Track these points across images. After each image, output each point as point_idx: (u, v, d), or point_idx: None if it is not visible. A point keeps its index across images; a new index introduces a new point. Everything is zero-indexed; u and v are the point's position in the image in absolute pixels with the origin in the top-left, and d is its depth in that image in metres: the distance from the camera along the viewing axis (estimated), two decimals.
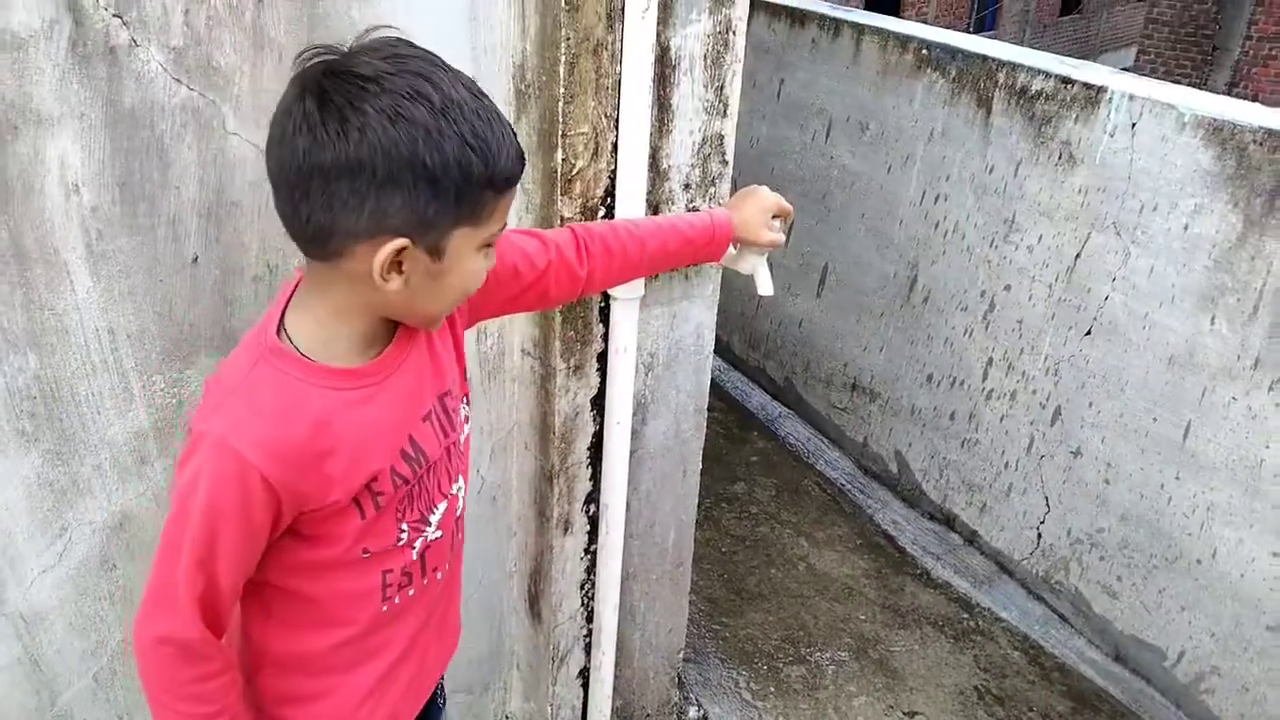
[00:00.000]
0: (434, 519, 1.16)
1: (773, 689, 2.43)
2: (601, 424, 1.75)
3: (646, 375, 1.79)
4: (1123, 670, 2.53)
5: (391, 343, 1.08)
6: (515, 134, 0.99)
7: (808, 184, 3.29)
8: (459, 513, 1.24)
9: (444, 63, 0.96)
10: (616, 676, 2.04)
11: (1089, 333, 2.46)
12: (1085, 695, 2.48)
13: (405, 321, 1.08)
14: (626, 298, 1.63)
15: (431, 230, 0.95)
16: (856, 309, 3.19)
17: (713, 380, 3.85)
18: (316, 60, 0.94)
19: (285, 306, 1.05)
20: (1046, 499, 2.65)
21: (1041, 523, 2.68)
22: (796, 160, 3.33)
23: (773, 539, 2.99)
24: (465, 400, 1.24)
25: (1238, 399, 2.18)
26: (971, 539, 2.91)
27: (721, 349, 3.90)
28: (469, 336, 1.72)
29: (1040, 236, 2.54)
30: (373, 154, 0.89)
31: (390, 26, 1.03)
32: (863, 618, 2.70)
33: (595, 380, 1.72)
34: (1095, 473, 2.51)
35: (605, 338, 1.68)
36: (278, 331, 1.03)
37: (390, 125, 0.89)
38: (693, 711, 2.30)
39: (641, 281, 1.63)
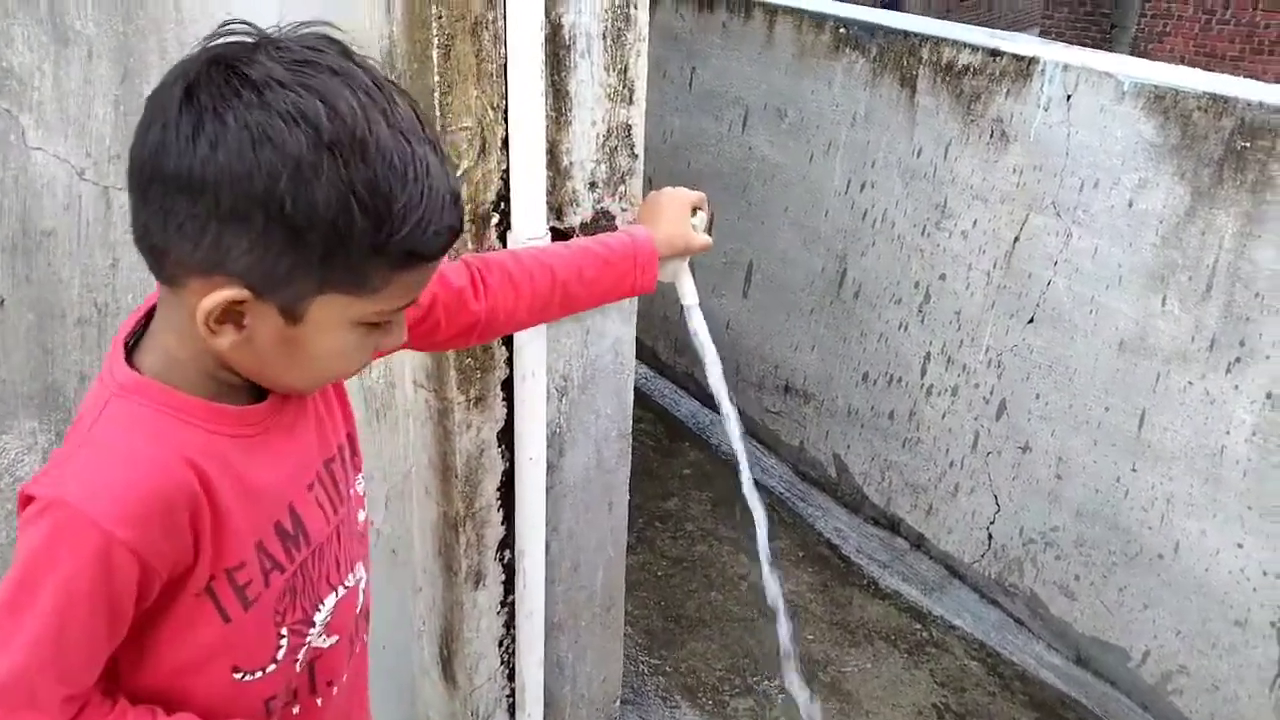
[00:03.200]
0: (319, 619, 0.92)
1: None
2: (512, 460, 1.54)
3: (560, 401, 1.57)
4: (1086, 674, 2.39)
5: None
6: (456, 196, 0.80)
7: (727, 177, 3.11)
8: (360, 609, 1.00)
9: (375, 82, 0.76)
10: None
11: (1032, 320, 2.32)
12: (1049, 703, 2.34)
13: (257, 383, 0.86)
14: None
15: (284, 287, 0.76)
16: (785, 307, 3.02)
17: (639, 389, 3.65)
18: (218, 42, 0.75)
19: (134, 331, 0.84)
20: (996, 498, 2.50)
21: (992, 523, 2.53)
22: (714, 153, 3.14)
23: (711, 558, 2.79)
24: (358, 471, 1.01)
25: (1194, 383, 2.05)
26: (919, 543, 2.76)
27: (647, 356, 3.70)
28: None
29: (975, 221, 2.39)
30: (219, 177, 0.71)
31: (329, 23, 0.80)
32: (811, 638, 2.52)
33: (501, 411, 1.50)
34: (1046, 468, 2.37)
35: (510, 362, 1.46)
36: (127, 361, 0.82)
37: (249, 149, 0.71)
38: None
39: None
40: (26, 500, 0.77)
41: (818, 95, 2.74)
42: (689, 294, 1.38)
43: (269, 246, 0.74)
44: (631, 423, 1.71)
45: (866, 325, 2.74)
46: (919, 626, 2.57)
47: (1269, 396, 1.95)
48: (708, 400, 3.43)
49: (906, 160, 2.53)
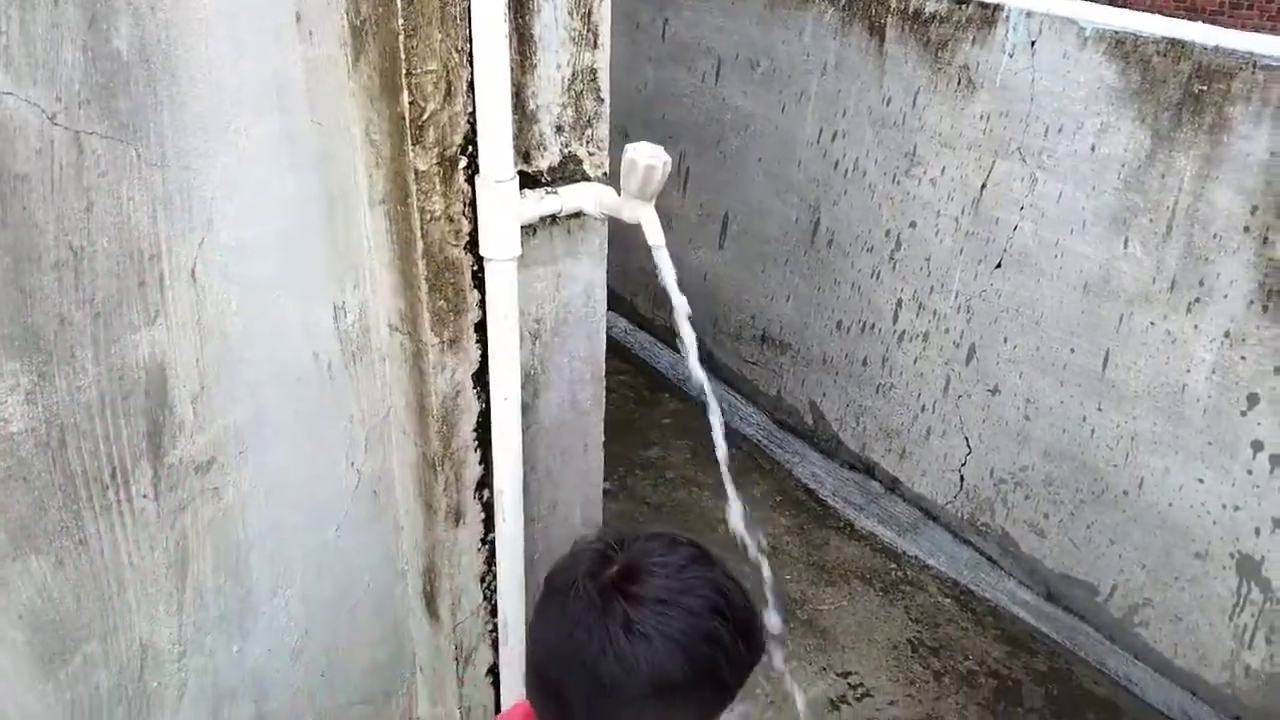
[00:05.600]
0: None
1: None
2: (487, 401, 1.57)
3: (534, 344, 1.61)
4: (1056, 609, 2.47)
5: None
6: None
7: (701, 129, 3.13)
8: None
9: (710, 554, 0.99)
10: None
11: (999, 265, 2.36)
12: (1019, 638, 2.42)
13: None
14: (501, 259, 1.44)
15: None
16: (760, 258, 3.05)
17: (619, 342, 3.69)
18: (596, 572, 0.94)
19: None
20: (967, 440, 2.56)
21: (963, 465, 2.59)
22: (688, 104, 3.16)
23: (690, 503, 2.85)
24: None
25: (1156, 323, 2.11)
26: (893, 486, 2.82)
27: (627, 309, 3.73)
28: (326, 317, 1.52)
29: (943, 168, 2.43)
30: (683, 678, 0.90)
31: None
32: (788, 577, 2.59)
33: (475, 353, 1.53)
34: (1015, 410, 2.43)
35: (482, 305, 1.50)
36: None
37: (696, 647, 0.91)
38: None
39: (517, 238, 1.44)
40: None
41: (789, 45, 2.76)
42: (655, 235, 1.41)
43: (708, 705, 0.95)
44: (604, 366, 1.75)
45: (840, 274, 2.78)
46: (894, 566, 2.64)
47: (1227, 335, 2.00)
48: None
49: (876, 109, 2.55)
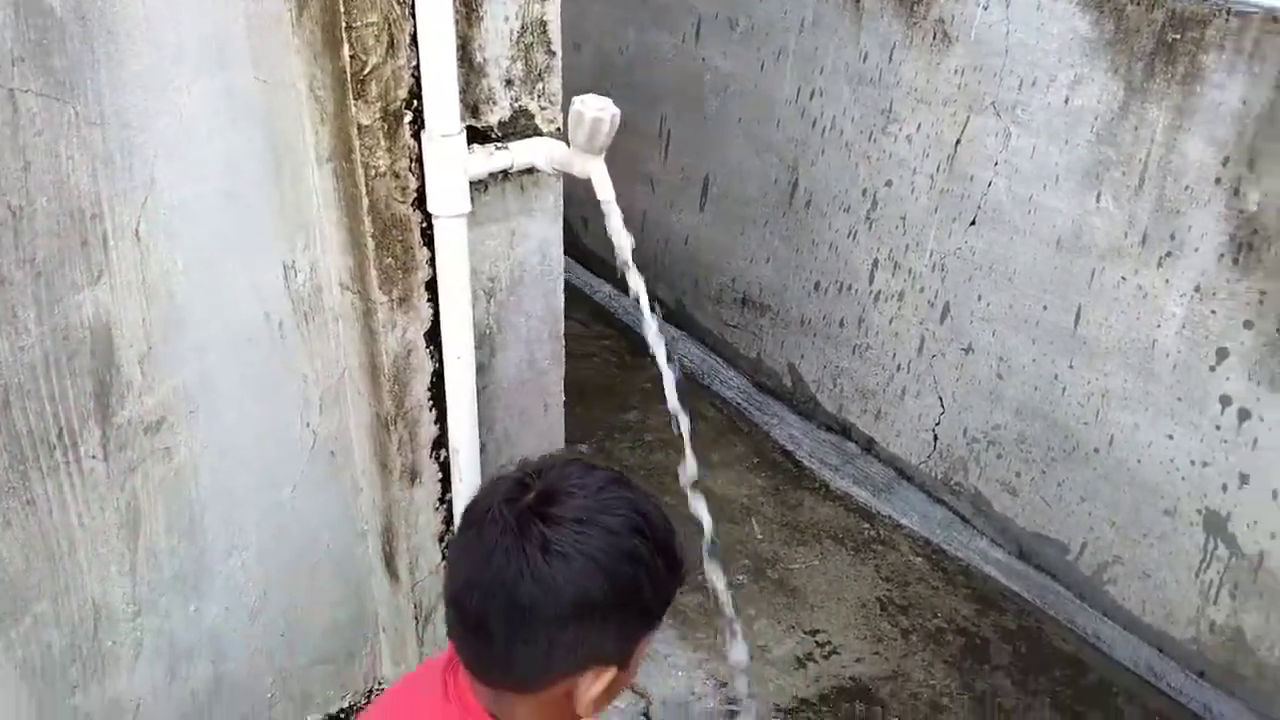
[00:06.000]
0: None
1: (669, 620, 2.31)
2: (441, 360, 1.57)
3: (489, 302, 1.60)
4: (1027, 568, 2.47)
5: None
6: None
7: (682, 90, 3.09)
8: None
9: (626, 479, 0.98)
10: None
11: (974, 223, 2.34)
12: (990, 596, 2.42)
13: None
14: (450, 215, 1.43)
15: (630, 647, 0.97)
16: (740, 220, 3.03)
17: (604, 307, 3.68)
18: (513, 498, 0.93)
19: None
20: (941, 399, 2.55)
21: (937, 424, 2.59)
22: (669, 66, 3.11)
23: (668, 466, 2.85)
24: None
25: (1127, 279, 2.09)
26: (869, 447, 2.82)
27: (610, 274, 3.71)
28: (275, 277, 1.51)
29: (919, 125, 2.40)
30: (604, 597, 0.90)
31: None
32: (760, 537, 2.59)
33: (427, 312, 1.52)
34: (988, 368, 2.42)
35: (432, 263, 1.48)
36: None
37: (617, 566, 0.90)
38: None
39: (465, 194, 1.43)
40: None
41: (767, 2, 2.71)
42: (604, 190, 1.39)
43: (632, 628, 0.95)
44: (563, 325, 1.74)
45: (817, 234, 2.76)
46: (867, 525, 2.64)
47: (1197, 289, 1.99)
48: (671, 316, 3.46)
49: (854, 65, 2.52)
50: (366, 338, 1.52)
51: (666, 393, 1.40)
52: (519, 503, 0.92)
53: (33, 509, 1.39)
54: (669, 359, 1.42)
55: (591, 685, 0.94)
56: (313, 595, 1.77)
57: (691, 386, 3.22)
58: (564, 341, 1.75)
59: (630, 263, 1.39)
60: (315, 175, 1.46)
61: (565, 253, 3.78)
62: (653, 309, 1.43)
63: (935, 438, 2.61)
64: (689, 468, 1.48)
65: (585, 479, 0.95)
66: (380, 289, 1.45)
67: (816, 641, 2.28)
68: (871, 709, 2.11)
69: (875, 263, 2.61)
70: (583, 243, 3.62)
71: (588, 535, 0.90)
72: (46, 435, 1.37)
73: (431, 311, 1.52)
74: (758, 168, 2.90)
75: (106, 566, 1.51)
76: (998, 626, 2.33)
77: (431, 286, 1.50)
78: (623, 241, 1.39)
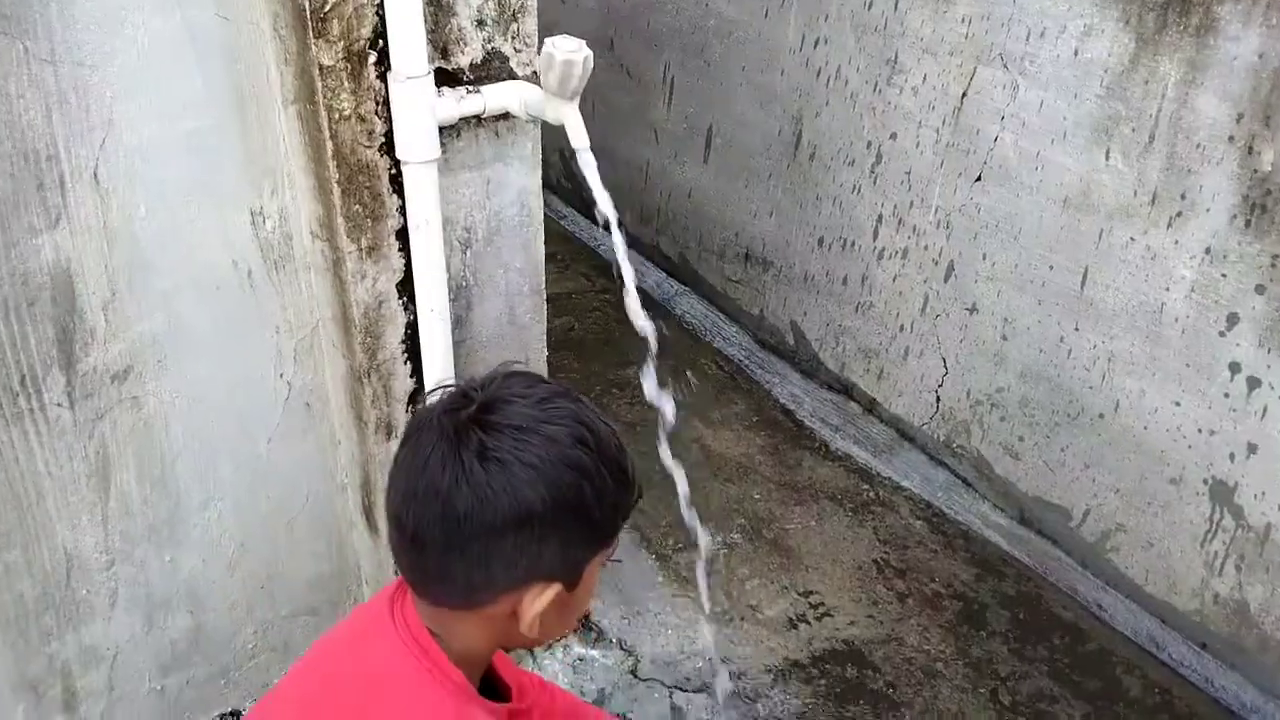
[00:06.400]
0: None
1: (660, 578, 2.28)
2: (415, 313, 1.53)
3: (465, 253, 1.56)
4: (1028, 533, 2.42)
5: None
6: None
7: (685, 37, 3.01)
8: None
9: (574, 392, 0.94)
10: None
11: (979, 179, 2.26)
12: (990, 561, 2.38)
13: (513, 647, 1.07)
14: (419, 161, 1.38)
15: (576, 566, 0.94)
16: (744, 173, 2.96)
17: (606, 264, 3.62)
18: (454, 408, 0.89)
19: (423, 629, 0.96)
20: (944, 360, 2.49)
21: (940, 385, 2.53)
22: (673, 11, 3.03)
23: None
24: None
25: (1136, 239, 2.01)
26: (870, 407, 2.77)
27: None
28: (244, 223, 1.47)
29: (925, 76, 2.31)
30: (543, 508, 0.87)
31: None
32: (757, 497, 2.55)
33: (398, 262, 1.48)
34: (992, 329, 2.35)
35: (403, 211, 1.44)
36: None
37: (558, 475, 0.87)
38: None
39: (435, 139, 1.38)
40: None
41: None
42: (578, 137, 1.34)
43: (574, 543, 0.91)
44: (544, 278, 1.69)
45: (821, 189, 2.68)
46: (866, 487, 2.60)
47: (1208, 251, 1.91)
48: (674, 270, 3.41)
49: (859, 13, 2.43)
50: (337, 288, 1.49)
51: (628, 304, 1.43)
52: (459, 413, 0.88)
53: None
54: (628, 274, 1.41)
55: (535, 601, 0.91)
56: (293, 547, 1.75)
57: (693, 343, 3.17)
58: (545, 295, 1.71)
59: (609, 213, 1.34)
60: (281, 118, 1.42)
61: (570, 206, 3.75)
62: (621, 228, 1.40)
63: (938, 399, 2.55)
64: (652, 383, 1.49)
65: (529, 389, 0.92)
66: (348, 237, 1.41)
67: (810, 603, 2.25)
68: (864, 672, 2.08)
69: (879, 219, 2.54)
70: (587, 195, 3.56)
71: (527, 442, 0.87)
72: (9, 382, 1.35)
73: (404, 262, 1.48)
74: (761, 119, 2.83)
75: (77, 516, 1.49)
76: (996, 592, 2.29)
77: (403, 236, 1.46)
78: (600, 194, 1.34)
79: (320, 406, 1.67)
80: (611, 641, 2.10)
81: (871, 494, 2.58)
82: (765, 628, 2.17)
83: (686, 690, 2.02)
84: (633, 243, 3.61)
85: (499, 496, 0.85)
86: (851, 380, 2.80)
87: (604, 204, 1.36)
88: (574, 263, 3.56)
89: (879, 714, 1.98)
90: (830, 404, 2.85)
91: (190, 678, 1.73)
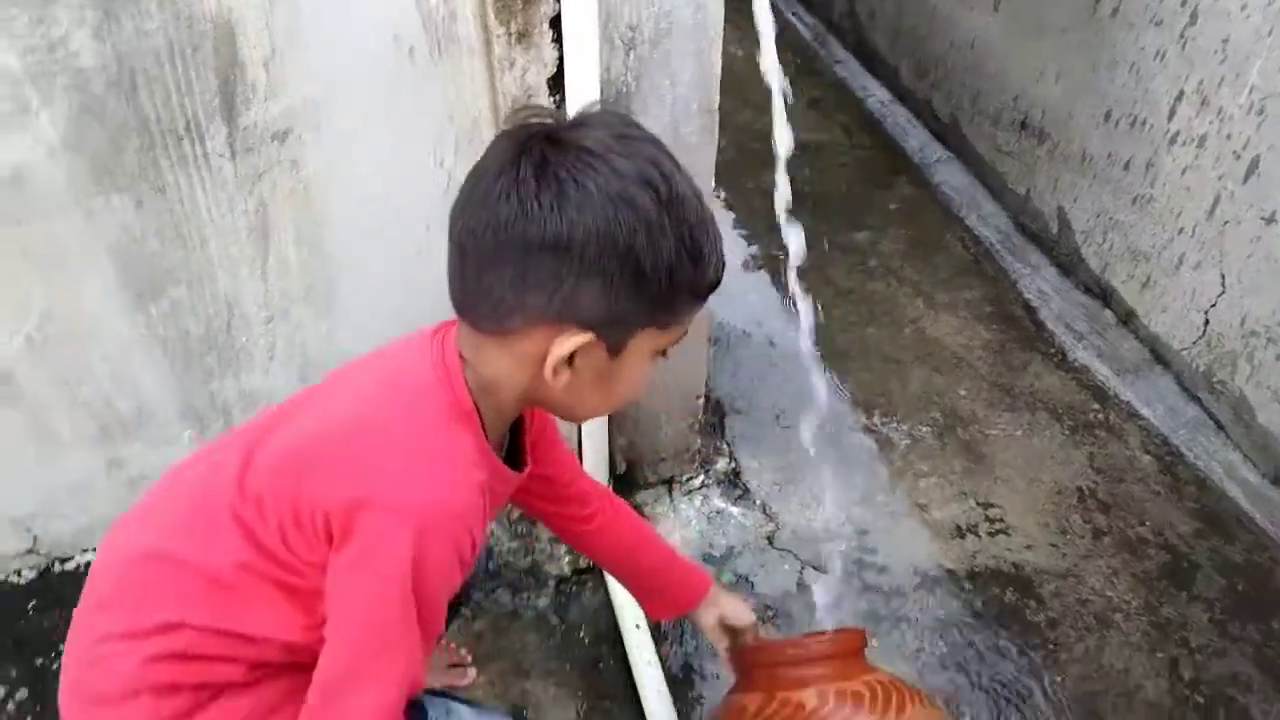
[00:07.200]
0: None
1: (829, 453, 2.13)
2: None
3: (627, 55, 1.42)
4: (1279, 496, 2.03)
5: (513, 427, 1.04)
6: (722, 241, 0.89)
7: None
8: None
9: (669, 151, 0.86)
10: (616, 412, 1.83)
11: None
12: (1220, 517, 2.02)
13: (548, 412, 1.04)
14: None
15: (619, 327, 0.87)
16: (1036, 24, 2.55)
17: (871, 116, 3.33)
18: (535, 124, 0.84)
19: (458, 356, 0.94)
20: (1223, 276, 2.08)
21: (1212, 306, 2.12)
22: None
23: (884, 296, 2.59)
24: None
25: None
26: (1126, 319, 2.39)
27: (889, 76, 3.33)
28: None
29: None
30: (586, 237, 0.80)
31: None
32: (963, 393, 2.30)
33: (550, 54, 1.38)
34: None
35: None
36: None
37: (612, 209, 0.80)
38: (722, 463, 2.07)
39: None
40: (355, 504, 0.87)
41: None
42: None
43: (618, 295, 0.83)
44: (717, 97, 1.53)
45: (1119, 51, 2.26)
46: (1096, 407, 2.27)
47: None
48: (942, 134, 3.08)
49: None
50: (487, 76, 1.42)
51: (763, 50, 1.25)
52: (535, 127, 0.83)
53: (163, 195, 1.46)
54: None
55: (564, 343, 0.85)
56: None
57: (943, 216, 2.87)
58: (718, 116, 1.55)
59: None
60: None
61: (848, 50, 3.45)
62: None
63: (1206, 322, 2.15)
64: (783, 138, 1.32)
65: (619, 123, 0.85)
66: (497, 18, 1.32)
67: (988, 516, 2.02)
68: (1025, 601, 1.85)
69: (1180, 95, 2.10)
70: (866, 37, 3.26)
71: (591, 167, 0.80)
72: (174, 125, 1.40)
73: (556, 56, 1.38)
74: None
75: (237, 267, 1.57)
76: (1217, 554, 1.95)
77: (557, 25, 1.35)
78: None
79: None
80: (755, 503, 2.01)
81: (1100, 416, 2.25)
82: (928, 529, 1.99)
83: (819, 570, 1.89)
84: (904, 97, 3.29)
85: (543, 212, 0.80)
86: (1112, 284, 2.42)
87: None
88: (836, 112, 3.30)
89: (1028, 648, 1.76)
90: (1081, 308, 2.49)
91: None
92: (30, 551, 1.83)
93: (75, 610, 1.00)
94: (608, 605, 1.78)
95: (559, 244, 0.80)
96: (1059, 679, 1.71)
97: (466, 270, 0.86)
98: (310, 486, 0.90)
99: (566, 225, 0.80)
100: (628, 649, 1.68)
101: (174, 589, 0.94)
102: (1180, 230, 2.16)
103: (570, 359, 0.87)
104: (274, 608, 0.94)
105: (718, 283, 0.90)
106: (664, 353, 0.94)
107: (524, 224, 0.80)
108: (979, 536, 1.98)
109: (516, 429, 1.08)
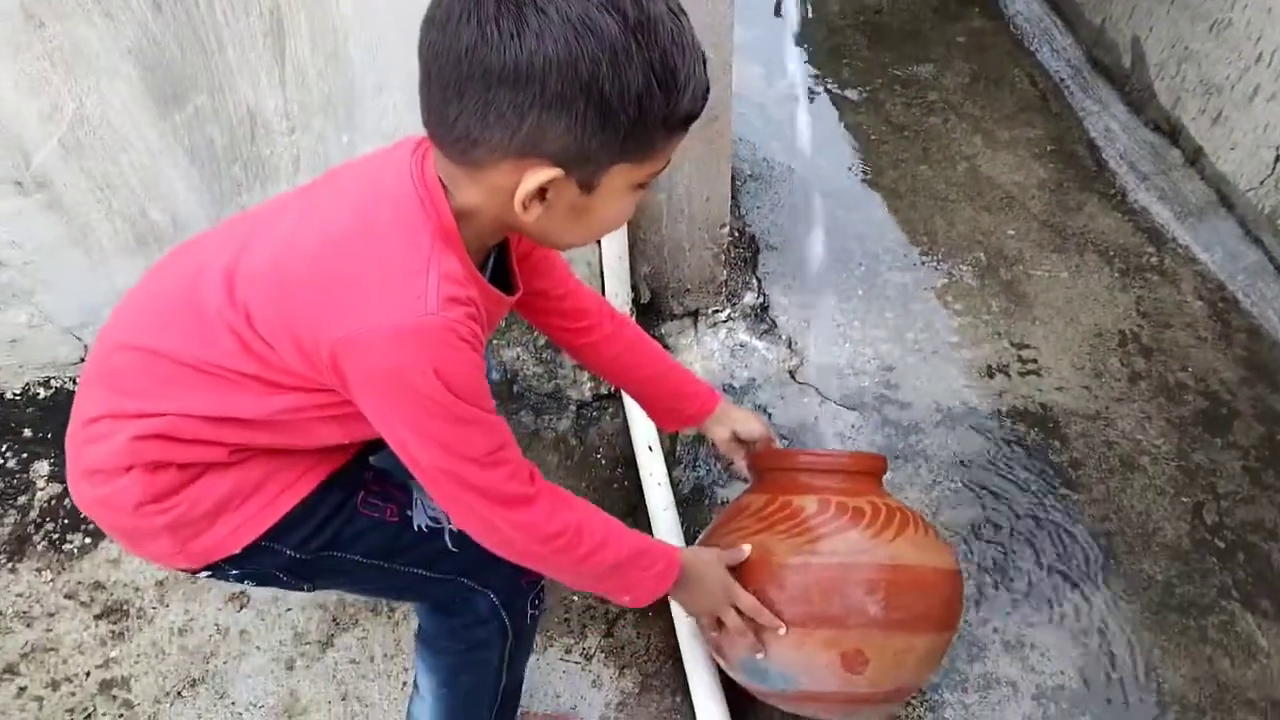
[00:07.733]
0: None
1: (861, 291, 2.10)
2: None
3: None
4: None
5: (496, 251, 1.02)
6: (705, 63, 0.84)
7: None
8: None
9: None
10: (640, 240, 1.82)
11: None
12: (1269, 367, 1.94)
13: (539, 244, 1.05)
14: None
15: (589, 163, 0.84)
16: None
17: None
18: None
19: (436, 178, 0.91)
20: None
21: None
22: None
23: (940, 132, 2.48)
24: None
25: None
26: (1194, 158, 2.26)
27: None
28: None
29: None
30: (546, 68, 0.76)
31: None
32: (1011, 233, 2.22)
33: None
34: None
35: None
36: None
37: (574, 38, 0.76)
38: (750, 297, 2.05)
39: None
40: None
41: None
42: None
43: (584, 128, 0.79)
44: None
45: None
46: (1151, 250, 2.17)
47: None
48: None
49: None
50: None
51: None
52: None
53: None
54: None
55: (529, 178, 0.83)
56: None
57: (1013, 49, 2.72)
58: None
59: None
60: None
61: None
62: None
63: (1277, 159, 2.01)
64: None
65: None
66: None
67: (1021, 357, 1.98)
68: (1050, 441, 1.82)
69: None
70: None
71: None
72: None
73: None
74: None
75: (256, 74, 1.57)
76: (1260, 403, 1.89)
77: None
78: None
79: None
80: (781, 337, 2.00)
81: (1155, 259, 2.16)
82: (955, 366, 1.95)
83: (837, 404, 1.89)
84: None
85: (503, 39, 0.76)
86: (1181, 121, 2.28)
87: None
88: None
89: (1047, 487, 1.74)
90: (1148, 147, 2.36)
91: None
92: (82, 360, 1.94)
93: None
94: (625, 430, 1.81)
95: (519, 76, 0.77)
96: (1075, 518, 1.70)
97: (432, 94, 0.83)
98: (300, 314, 0.90)
99: (526, 54, 0.76)
100: (639, 468, 1.71)
101: (154, 377, 0.97)
102: (1258, 57, 2.01)
103: (542, 193, 0.85)
104: (258, 397, 0.97)
105: (696, 114, 0.84)
106: (644, 185, 0.90)
107: (484, 51, 0.76)
108: (1009, 376, 1.94)
109: (504, 251, 1.07)
